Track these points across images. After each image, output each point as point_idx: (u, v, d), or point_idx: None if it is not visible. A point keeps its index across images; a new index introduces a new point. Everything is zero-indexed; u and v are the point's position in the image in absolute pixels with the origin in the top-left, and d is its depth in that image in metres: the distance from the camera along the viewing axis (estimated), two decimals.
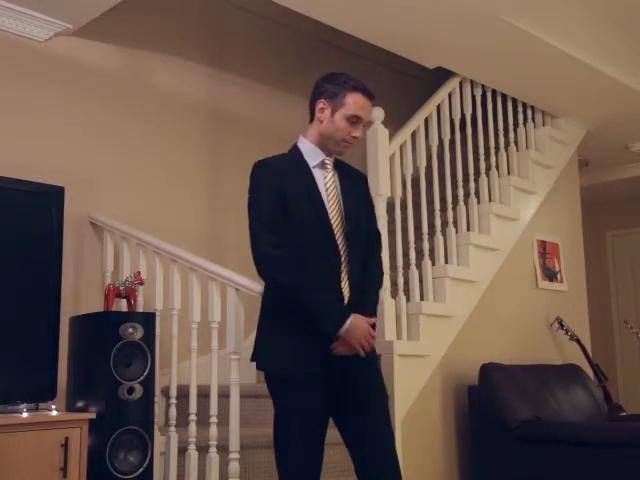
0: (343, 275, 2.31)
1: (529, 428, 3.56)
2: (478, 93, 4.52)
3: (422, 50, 4.05)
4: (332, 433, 2.34)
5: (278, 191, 2.29)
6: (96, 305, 3.37)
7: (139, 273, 3.13)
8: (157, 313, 3.05)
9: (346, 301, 2.30)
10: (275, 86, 4.63)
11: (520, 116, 4.81)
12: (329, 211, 2.32)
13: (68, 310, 3.23)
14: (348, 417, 2.32)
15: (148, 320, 2.89)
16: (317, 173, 2.37)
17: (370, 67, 4.99)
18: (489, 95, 4.60)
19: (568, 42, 4.04)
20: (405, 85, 5.34)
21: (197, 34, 4.31)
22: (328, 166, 2.39)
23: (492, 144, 4.51)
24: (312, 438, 2.26)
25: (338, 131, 2.34)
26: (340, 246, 2.31)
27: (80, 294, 3.50)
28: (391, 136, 3.81)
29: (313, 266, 2.27)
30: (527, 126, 4.84)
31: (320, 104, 2.36)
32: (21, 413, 2.67)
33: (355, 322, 2.24)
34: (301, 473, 2.25)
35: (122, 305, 3.16)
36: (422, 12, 3.58)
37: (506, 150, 4.65)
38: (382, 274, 2.54)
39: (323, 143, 2.38)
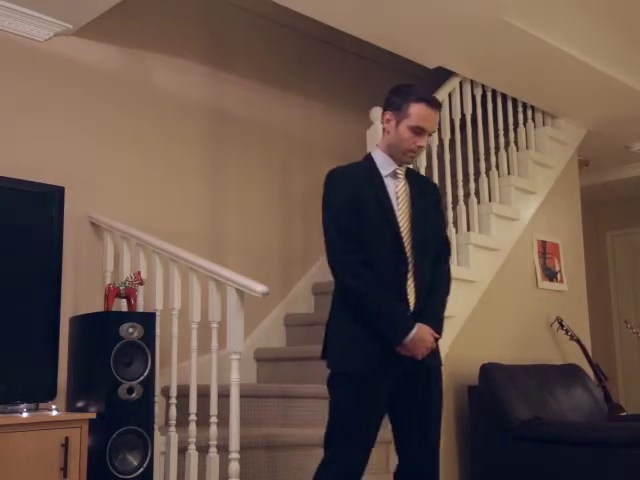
0: (409, 282, 2.36)
1: (529, 428, 3.56)
2: (478, 93, 4.52)
3: (422, 50, 4.05)
4: None
5: (351, 197, 2.36)
6: (96, 305, 3.37)
7: (139, 273, 3.12)
8: (157, 313, 3.04)
9: (411, 308, 2.35)
10: (275, 86, 4.63)
11: (520, 116, 4.80)
12: (399, 219, 2.38)
13: (68, 310, 3.23)
14: (402, 417, 2.39)
15: (148, 320, 2.88)
16: (389, 182, 2.44)
17: (370, 67, 5.00)
18: (489, 95, 4.60)
19: (568, 42, 4.04)
20: None
21: (197, 34, 4.30)
22: (400, 175, 2.47)
23: (492, 144, 4.51)
24: (366, 437, 2.32)
25: (403, 141, 2.41)
26: (408, 254, 2.36)
27: (80, 294, 3.50)
28: None
29: (381, 272, 2.32)
30: (527, 126, 4.84)
31: (387, 115, 2.45)
32: (21, 413, 2.66)
33: (420, 334, 2.30)
34: (349, 472, 2.30)
35: (122, 305, 3.16)
36: (422, 12, 3.58)
37: (506, 150, 4.65)
38: (450, 282, 2.55)
39: (391, 153, 2.46)
